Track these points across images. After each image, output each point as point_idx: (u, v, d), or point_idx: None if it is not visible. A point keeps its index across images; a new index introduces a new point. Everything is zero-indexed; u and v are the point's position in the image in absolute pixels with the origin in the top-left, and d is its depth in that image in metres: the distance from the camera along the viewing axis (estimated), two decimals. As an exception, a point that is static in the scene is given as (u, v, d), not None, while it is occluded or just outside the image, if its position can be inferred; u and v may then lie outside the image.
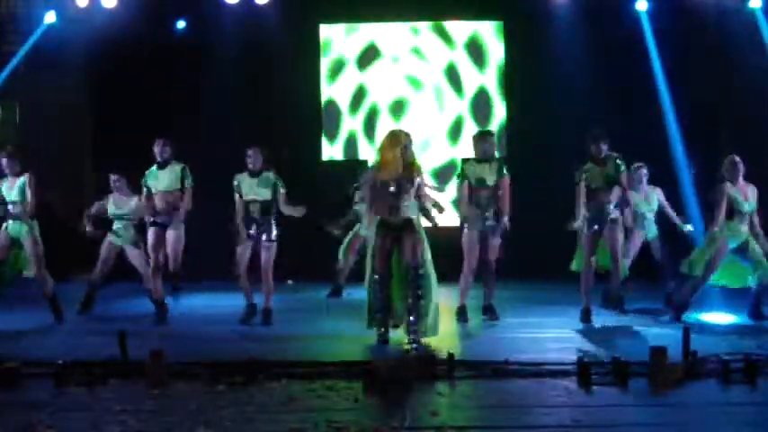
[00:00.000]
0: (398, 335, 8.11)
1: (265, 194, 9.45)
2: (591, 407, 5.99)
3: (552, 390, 6.40)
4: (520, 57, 13.65)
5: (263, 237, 9.41)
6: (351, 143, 14.03)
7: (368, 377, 6.39)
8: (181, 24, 13.69)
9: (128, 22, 12.68)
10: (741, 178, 9.23)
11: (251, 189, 9.46)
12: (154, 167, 9.85)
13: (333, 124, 14.06)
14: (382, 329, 8.07)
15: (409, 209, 8.02)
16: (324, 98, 14.03)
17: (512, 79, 13.77)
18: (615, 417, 5.79)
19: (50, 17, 12.87)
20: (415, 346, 7.73)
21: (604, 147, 9.32)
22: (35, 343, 8.24)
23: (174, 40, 13.58)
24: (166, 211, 9.75)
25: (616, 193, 9.30)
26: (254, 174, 9.49)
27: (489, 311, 9.42)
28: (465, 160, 10.26)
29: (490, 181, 9.32)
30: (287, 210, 9.52)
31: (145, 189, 9.84)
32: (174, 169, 9.83)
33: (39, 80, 13.05)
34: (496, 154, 10.00)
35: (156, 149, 9.85)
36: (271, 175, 9.54)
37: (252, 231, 9.39)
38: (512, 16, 13.75)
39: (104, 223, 10.47)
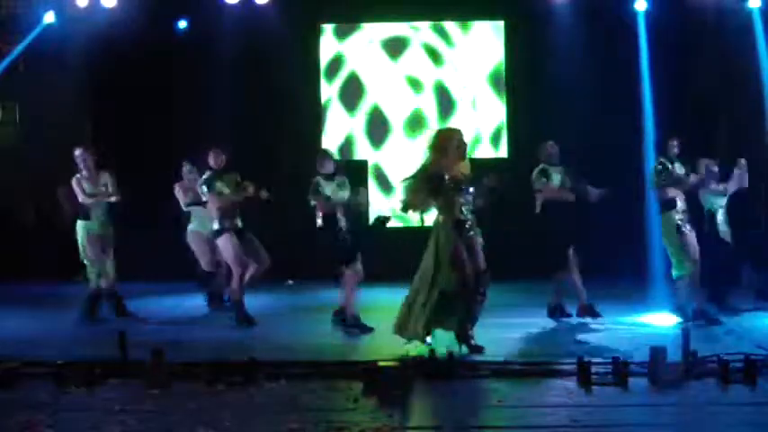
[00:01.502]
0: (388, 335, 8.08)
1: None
2: (591, 407, 5.99)
3: (552, 390, 6.40)
4: (520, 56, 13.66)
5: None
6: (351, 143, 14.03)
7: (367, 377, 6.39)
8: (181, 24, 13.69)
9: (128, 22, 12.67)
10: None
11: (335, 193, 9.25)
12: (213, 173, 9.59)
13: (333, 124, 14.06)
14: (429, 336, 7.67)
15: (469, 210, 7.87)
16: (324, 98, 14.04)
17: (512, 79, 13.78)
18: (615, 417, 5.79)
19: (50, 17, 12.86)
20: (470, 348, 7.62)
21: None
22: (35, 343, 8.24)
23: (174, 40, 13.58)
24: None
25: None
26: (329, 177, 9.25)
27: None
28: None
29: None
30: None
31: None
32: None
33: (39, 80, 13.06)
34: None
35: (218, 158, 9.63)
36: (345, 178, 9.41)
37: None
38: (512, 16, 13.75)
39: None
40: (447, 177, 7.63)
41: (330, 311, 10.33)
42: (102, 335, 8.08)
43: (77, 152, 9.78)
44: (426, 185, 7.62)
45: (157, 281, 11.73)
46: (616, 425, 5.63)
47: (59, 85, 13.23)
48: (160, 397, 6.27)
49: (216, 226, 9.45)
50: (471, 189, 7.80)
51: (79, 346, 7.89)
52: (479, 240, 7.77)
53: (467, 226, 7.68)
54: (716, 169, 9.80)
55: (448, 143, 7.69)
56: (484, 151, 13.84)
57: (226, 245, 9.40)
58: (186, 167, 10.48)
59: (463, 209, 7.70)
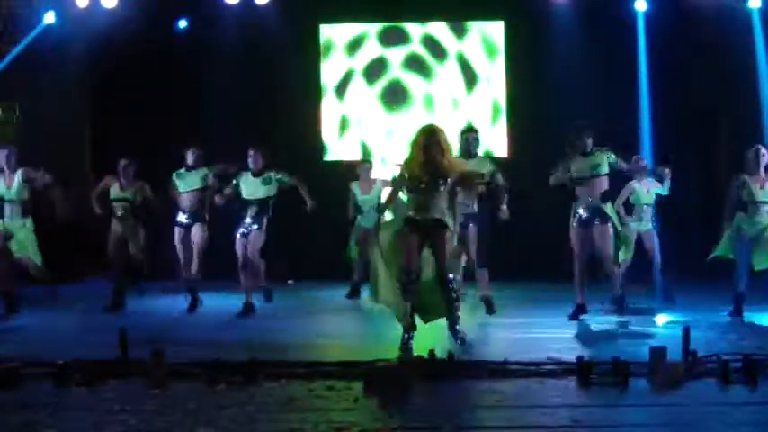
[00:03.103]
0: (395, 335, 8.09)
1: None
2: (591, 407, 5.98)
3: (552, 390, 6.39)
4: (521, 56, 13.65)
5: None
6: (353, 143, 14.03)
7: (367, 377, 6.39)
8: (182, 24, 13.69)
9: (128, 22, 12.69)
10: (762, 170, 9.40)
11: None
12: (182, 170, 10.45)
13: (334, 124, 14.06)
14: (406, 336, 7.71)
15: (438, 208, 7.72)
16: (324, 98, 14.03)
17: (513, 79, 13.77)
18: (615, 417, 5.79)
19: (50, 17, 12.86)
20: (459, 342, 7.75)
21: (589, 141, 9.42)
22: (35, 343, 8.24)
23: (174, 40, 13.59)
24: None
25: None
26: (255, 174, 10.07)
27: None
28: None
29: None
30: None
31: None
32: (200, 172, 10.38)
33: (39, 80, 13.05)
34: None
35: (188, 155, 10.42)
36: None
37: None
38: (512, 16, 13.75)
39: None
40: (406, 175, 7.74)
41: (331, 311, 10.35)
42: (102, 335, 8.06)
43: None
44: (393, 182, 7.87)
45: (157, 280, 11.71)
46: (616, 425, 5.63)
47: (59, 85, 13.22)
48: (160, 397, 6.26)
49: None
50: (442, 188, 7.75)
51: (79, 346, 7.89)
52: (449, 242, 7.84)
53: (423, 224, 7.66)
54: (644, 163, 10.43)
55: (420, 139, 7.74)
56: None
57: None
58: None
59: (420, 208, 7.69)
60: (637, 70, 12.99)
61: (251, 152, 10.12)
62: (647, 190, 10.43)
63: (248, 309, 9.90)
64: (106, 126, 13.61)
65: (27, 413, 5.82)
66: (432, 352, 6.99)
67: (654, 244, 10.39)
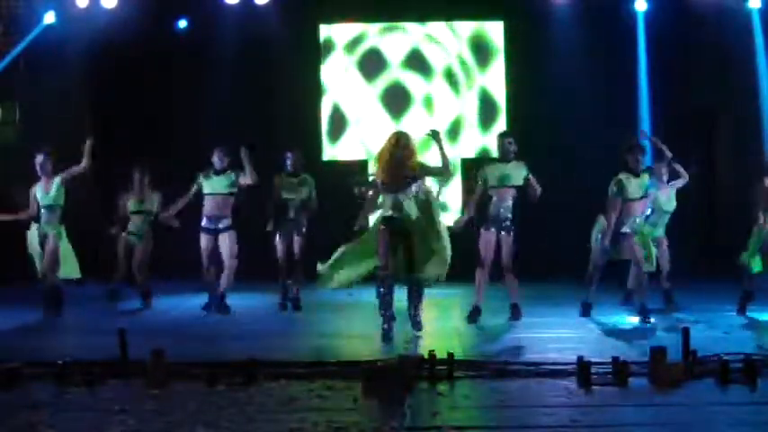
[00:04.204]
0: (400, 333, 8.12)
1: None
2: (591, 407, 5.98)
3: (552, 390, 6.39)
4: (521, 57, 13.66)
5: None
6: (352, 143, 14.03)
7: (367, 377, 6.39)
8: (182, 24, 13.69)
9: (128, 22, 12.69)
10: None
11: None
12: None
13: (333, 124, 14.06)
14: (386, 326, 8.13)
15: (412, 207, 8.16)
16: (324, 98, 14.04)
17: (512, 79, 13.78)
18: (615, 417, 5.79)
19: (50, 17, 12.87)
20: (418, 335, 8.05)
21: (642, 159, 9.33)
22: (35, 343, 8.24)
23: (175, 39, 13.59)
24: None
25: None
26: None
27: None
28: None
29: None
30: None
31: None
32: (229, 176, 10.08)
33: (39, 80, 13.05)
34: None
35: (216, 158, 10.12)
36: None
37: None
38: (512, 16, 13.76)
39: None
40: (380, 177, 8.20)
41: (331, 311, 10.35)
42: (102, 335, 8.07)
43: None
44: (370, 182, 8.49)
45: (157, 280, 11.70)
46: (616, 425, 5.62)
47: (59, 85, 13.22)
48: (160, 397, 6.26)
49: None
50: (414, 187, 8.24)
51: (79, 346, 7.89)
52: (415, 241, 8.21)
53: (398, 224, 8.11)
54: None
55: (390, 144, 8.22)
56: (483, 151, 13.86)
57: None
58: None
59: (395, 208, 8.12)
60: (637, 70, 13.00)
61: (288, 154, 10.27)
62: (668, 197, 10.26)
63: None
64: (106, 126, 13.59)
65: (27, 413, 5.82)
66: (432, 352, 6.98)
67: (664, 250, 10.24)
